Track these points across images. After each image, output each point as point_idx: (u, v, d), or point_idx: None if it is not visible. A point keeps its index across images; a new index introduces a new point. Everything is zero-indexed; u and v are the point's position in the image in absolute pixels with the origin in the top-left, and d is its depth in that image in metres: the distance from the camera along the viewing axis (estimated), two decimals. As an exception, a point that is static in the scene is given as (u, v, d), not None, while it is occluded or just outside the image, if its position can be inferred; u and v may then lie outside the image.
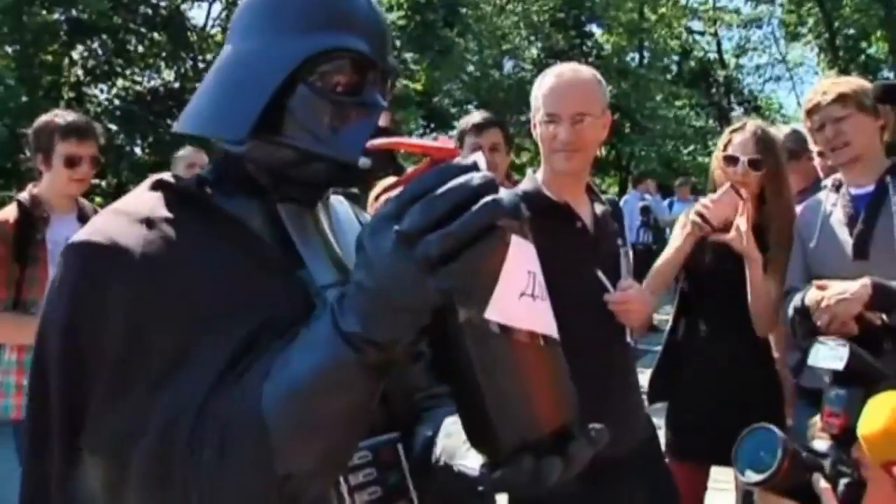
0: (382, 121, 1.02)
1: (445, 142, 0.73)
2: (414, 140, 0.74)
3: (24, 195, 2.70)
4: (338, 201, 1.17)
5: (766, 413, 2.50)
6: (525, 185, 2.06)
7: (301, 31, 0.97)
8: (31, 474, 0.93)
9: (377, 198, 2.20)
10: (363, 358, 0.74)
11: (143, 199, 0.97)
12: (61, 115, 2.74)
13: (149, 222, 0.92)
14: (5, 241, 2.53)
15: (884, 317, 2.09)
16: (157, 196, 0.97)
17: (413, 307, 0.71)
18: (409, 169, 0.74)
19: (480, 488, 0.78)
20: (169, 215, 0.94)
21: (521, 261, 0.74)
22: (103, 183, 13.64)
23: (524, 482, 0.75)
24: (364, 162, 0.95)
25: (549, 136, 1.95)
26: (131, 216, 0.93)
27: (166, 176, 1.00)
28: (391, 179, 0.80)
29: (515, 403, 0.75)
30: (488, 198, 0.66)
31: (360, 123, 0.98)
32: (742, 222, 2.36)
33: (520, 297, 0.74)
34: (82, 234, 0.92)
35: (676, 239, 2.53)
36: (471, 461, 0.88)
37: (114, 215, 0.94)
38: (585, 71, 2.01)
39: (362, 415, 0.80)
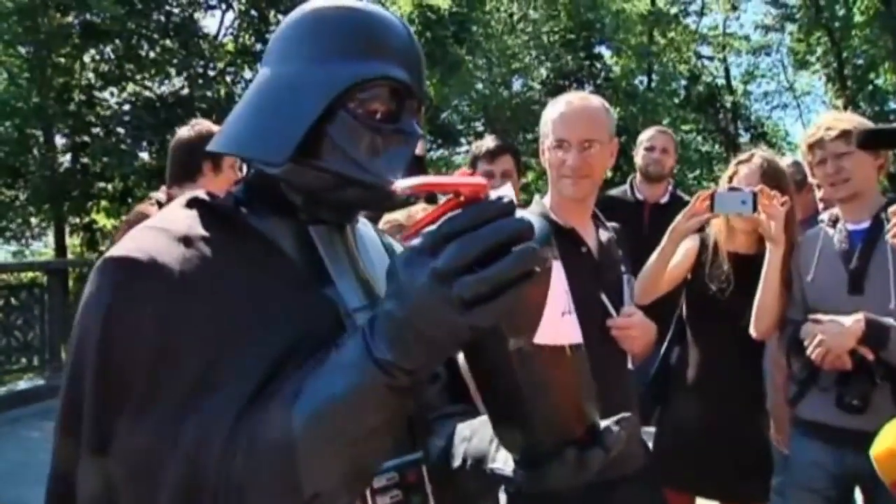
0: (417, 149, 1.04)
1: (475, 177, 0.73)
2: (443, 179, 0.75)
3: (160, 195, 2.70)
4: (362, 223, 1.19)
5: (752, 448, 2.55)
6: (532, 209, 2.10)
7: (341, 57, 0.98)
8: (56, 471, 0.95)
9: (388, 222, 2.18)
10: (393, 381, 0.77)
11: (180, 217, 0.99)
12: None
13: (186, 240, 0.94)
14: None
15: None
16: (193, 214, 0.99)
17: (443, 340, 0.74)
18: (441, 202, 0.75)
19: (516, 489, 0.85)
20: (205, 234, 0.96)
21: (559, 282, 0.79)
22: (109, 186, 13.69)
23: (569, 474, 0.83)
24: (403, 189, 0.98)
25: (558, 161, 1.99)
26: (170, 233, 0.94)
27: (201, 194, 1.03)
28: (420, 205, 0.83)
29: (560, 411, 0.82)
30: (525, 246, 0.68)
31: (398, 151, 1.00)
32: (780, 210, 2.30)
33: (562, 316, 0.79)
34: (121, 248, 0.92)
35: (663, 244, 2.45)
36: (501, 463, 0.93)
37: (153, 232, 0.95)
38: (594, 99, 2.07)
39: (388, 433, 0.83)
